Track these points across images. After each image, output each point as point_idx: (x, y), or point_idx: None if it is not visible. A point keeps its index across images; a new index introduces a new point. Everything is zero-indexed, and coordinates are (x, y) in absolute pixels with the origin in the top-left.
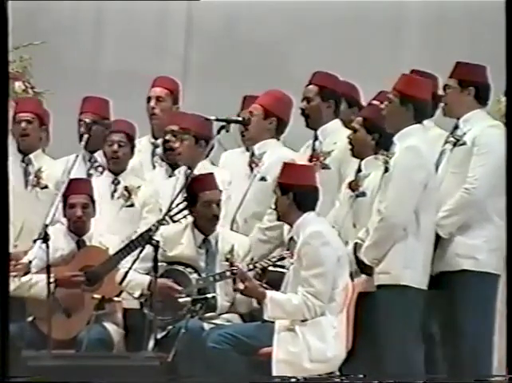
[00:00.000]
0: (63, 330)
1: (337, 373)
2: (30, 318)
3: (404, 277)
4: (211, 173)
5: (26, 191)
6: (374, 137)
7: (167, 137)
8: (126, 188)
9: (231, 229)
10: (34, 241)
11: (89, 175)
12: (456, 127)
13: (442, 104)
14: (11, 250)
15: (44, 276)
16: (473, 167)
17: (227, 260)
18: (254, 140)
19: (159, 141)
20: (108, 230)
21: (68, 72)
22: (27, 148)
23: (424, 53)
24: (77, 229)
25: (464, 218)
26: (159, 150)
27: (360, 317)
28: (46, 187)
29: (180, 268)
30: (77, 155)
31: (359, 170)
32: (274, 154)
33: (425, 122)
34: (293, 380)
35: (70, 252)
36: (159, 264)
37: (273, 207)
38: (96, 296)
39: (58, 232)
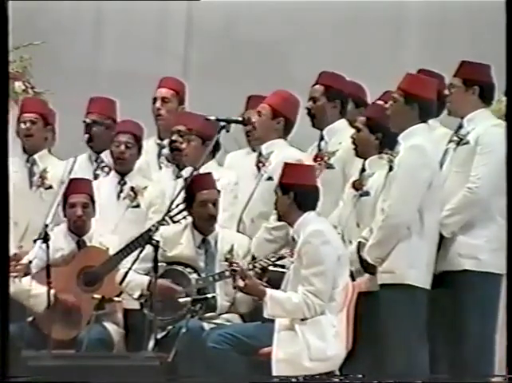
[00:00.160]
0: (63, 330)
1: (337, 373)
2: (30, 318)
3: (409, 276)
4: (209, 173)
5: (31, 192)
6: (377, 137)
7: (174, 137)
8: (132, 189)
9: (238, 228)
10: (34, 241)
11: (96, 175)
12: (460, 126)
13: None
14: (16, 251)
15: (44, 289)
16: (476, 166)
17: (227, 260)
18: (262, 139)
19: (165, 142)
20: (113, 230)
21: (69, 72)
22: (31, 148)
23: (424, 53)
24: (77, 229)
25: (467, 217)
26: (166, 151)
27: (362, 317)
28: (51, 187)
29: (180, 268)
30: (76, 156)
31: (363, 169)
32: (281, 154)
33: (430, 121)
34: (293, 380)
35: (70, 252)
36: (159, 264)
37: (274, 207)
38: (96, 296)
39: (58, 232)
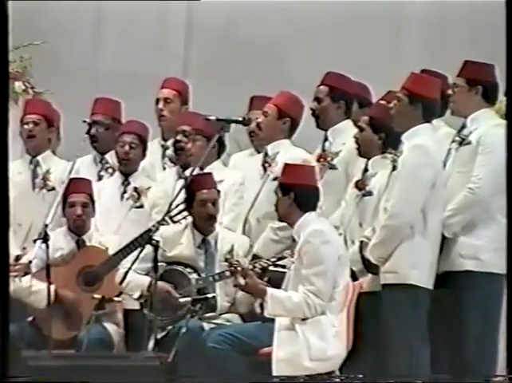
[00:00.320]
0: (63, 330)
1: (337, 373)
2: (30, 318)
3: (412, 276)
4: (210, 173)
5: (34, 193)
6: (380, 136)
7: (178, 137)
8: (135, 189)
9: (244, 229)
10: (34, 241)
11: (100, 176)
12: (464, 126)
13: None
14: (20, 252)
15: (44, 285)
16: (477, 166)
17: (227, 260)
18: (267, 140)
19: (169, 143)
20: (116, 231)
21: (69, 72)
22: (34, 149)
23: (424, 53)
24: (77, 228)
25: (468, 217)
26: (169, 152)
27: (365, 317)
28: (53, 188)
29: (180, 268)
30: (78, 157)
31: (365, 169)
32: (287, 154)
33: (434, 121)
34: (293, 380)
35: (70, 252)
36: (159, 264)
37: (275, 207)
38: (96, 296)
39: (58, 232)
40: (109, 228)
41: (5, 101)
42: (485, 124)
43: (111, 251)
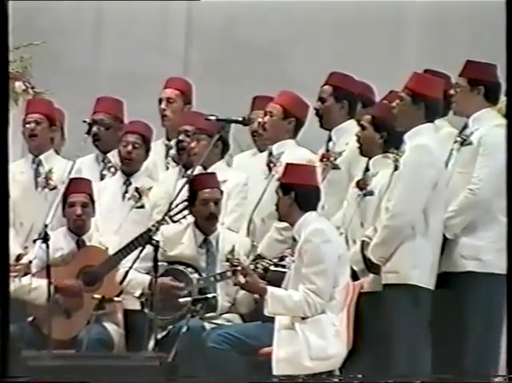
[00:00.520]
0: (63, 330)
1: (337, 372)
2: (30, 318)
3: (413, 276)
4: (212, 172)
5: (36, 193)
6: (382, 136)
7: (181, 137)
8: (137, 189)
9: (248, 229)
10: (34, 241)
11: (102, 176)
12: (465, 126)
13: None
14: (21, 251)
15: (44, 281)
16: (478, 167)
17: (228, 260)
18: (272, 140)
19: (173, 143)
20: (117, 231)
21: (69, 72)
22: (36, 148)
23: (424, 53)
24: (77, 228)
25: (469, 218)
26: (173, 151)
27: (366, 317)
28: (55, 188)
29: (181, 268)
30: (78, 156)
31: (367, 169)
32: (292, 154)
33: (437, 121)
34: (293, 380)
35: (70, 252)
36: (160, 264)
37: (275, 207)
38: (96, 296)
39: (58, 232)
40: (110, 228)
41: (6, 101)
42: (487, 124)
43: (111, 251)
